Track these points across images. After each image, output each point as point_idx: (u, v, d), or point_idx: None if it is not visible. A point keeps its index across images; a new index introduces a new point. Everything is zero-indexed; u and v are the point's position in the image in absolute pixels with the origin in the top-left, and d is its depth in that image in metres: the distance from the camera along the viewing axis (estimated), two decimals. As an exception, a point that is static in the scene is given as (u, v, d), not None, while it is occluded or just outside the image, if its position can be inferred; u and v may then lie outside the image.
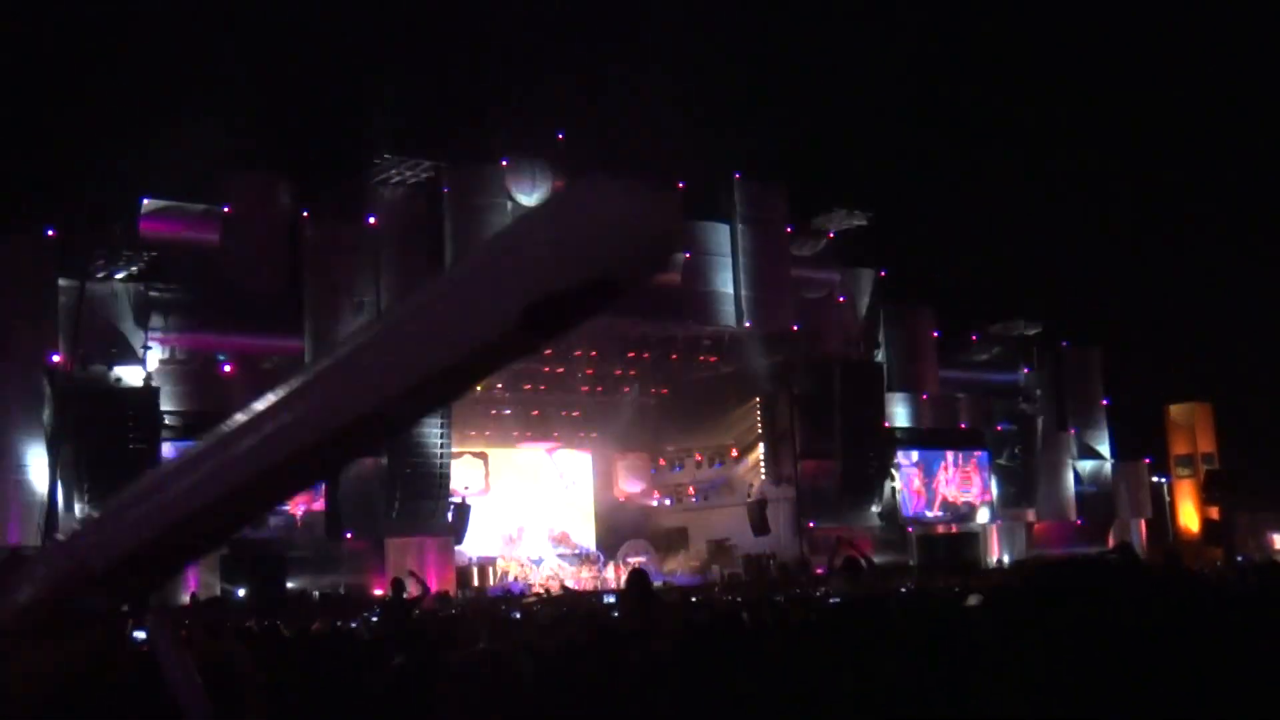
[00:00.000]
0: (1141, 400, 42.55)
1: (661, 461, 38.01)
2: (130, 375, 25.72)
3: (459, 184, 29.95)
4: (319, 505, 27.35)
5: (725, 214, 33.58)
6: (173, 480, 1.28)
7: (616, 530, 36.19)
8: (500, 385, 34.26)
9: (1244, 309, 43.75)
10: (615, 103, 29.88)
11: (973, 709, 2.71)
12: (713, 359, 34.85)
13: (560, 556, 33.69)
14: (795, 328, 33.90)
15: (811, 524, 33.44)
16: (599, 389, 35.60)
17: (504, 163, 30.34)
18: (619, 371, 35.24)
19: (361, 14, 43.30)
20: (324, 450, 1.22)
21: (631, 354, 34.23)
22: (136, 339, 26.17)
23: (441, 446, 28.11)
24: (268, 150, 29.69)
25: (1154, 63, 47.65)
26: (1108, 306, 45.60)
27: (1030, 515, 38.37)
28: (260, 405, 1.22)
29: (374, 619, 16.86)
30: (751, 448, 35.55)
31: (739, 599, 20.11)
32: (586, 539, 36.10)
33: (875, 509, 34.62)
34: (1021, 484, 37.80)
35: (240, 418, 1.24)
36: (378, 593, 25.32)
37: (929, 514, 36.30)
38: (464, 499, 29.93)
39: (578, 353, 33.39)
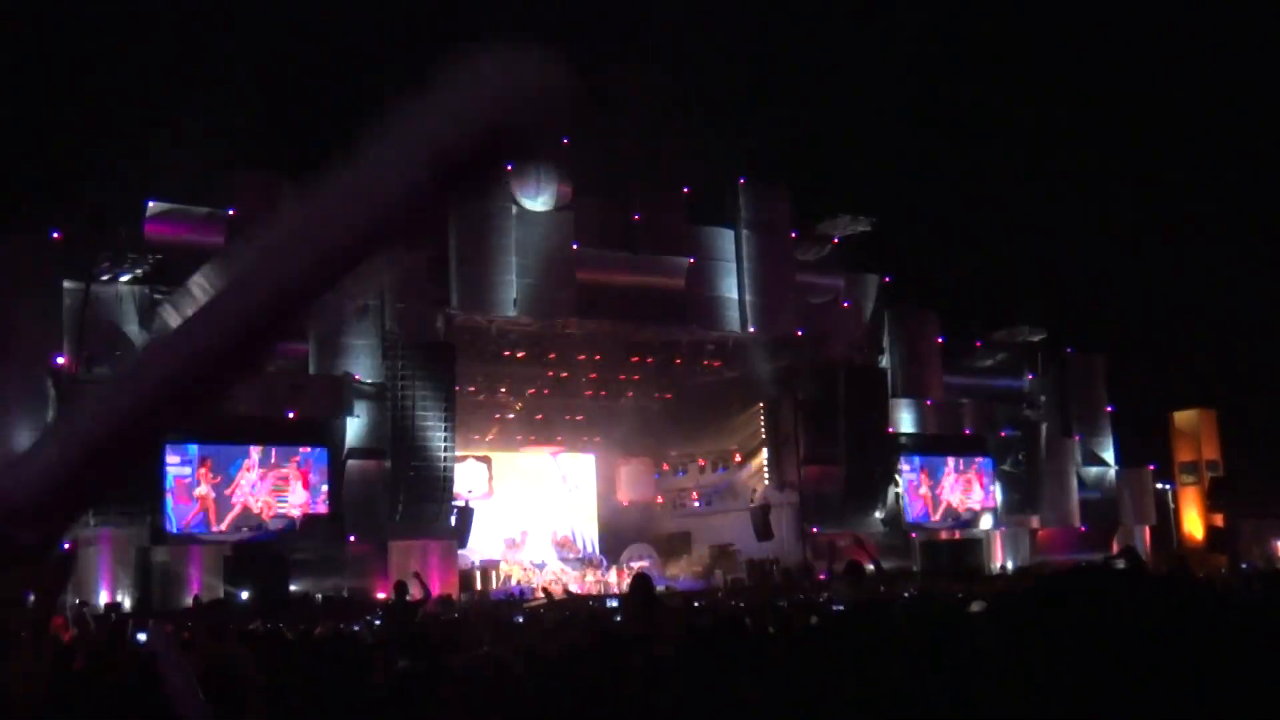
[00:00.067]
0: (1146, 407, 42.41)
1: (665, 466, 38.05)
2: (134, 378, 25.68)
3: (462, 187, 29.90)
4: (322, 508, 27.35)
5: (729, 219, 33.55)
6: (91, 401, 1.33)
7: (619, 534, 36.21)
8: (504, 389, 34.30)
9: (1249, 315, 43.60)
10: (620, 107, 29.87)
11: (976, 714, 2.70)
12: (717, 364, 34.83)
13: (563, 560, 33.67)
14: (799, 333, 33.87)
15: (815, 529, 33.43)
16: (603, 393, 35.60)
17: (508, 166, 30.29)
18: (623, 376, 35.21)
19: (362, 14, 43.35)
20: (265, 321, 1.33)
21: (635, 359, 34.17)
22: (141, 342, 26.16)
23: (445, 450, 28.09)
24: (272, 151, 29.71)
25: (1155, 63, 47.59)
26: (1112, 312, 45.50)
27: (1034, 521, 38.26)
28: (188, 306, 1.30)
29: (377, 622, 16.83)
30: (755, 453, 35.55)
31: (742, 604, 20.04)
32: (589, 543, 36.13)
33: (879, 514, 34.62)
34: (1025, 490, 37.72)
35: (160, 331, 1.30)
36: (381, 596, 25.31)
37: (932, 520, 36.24)
38: (467, 502, 29.90)
39: (581, 357, 33.39)
